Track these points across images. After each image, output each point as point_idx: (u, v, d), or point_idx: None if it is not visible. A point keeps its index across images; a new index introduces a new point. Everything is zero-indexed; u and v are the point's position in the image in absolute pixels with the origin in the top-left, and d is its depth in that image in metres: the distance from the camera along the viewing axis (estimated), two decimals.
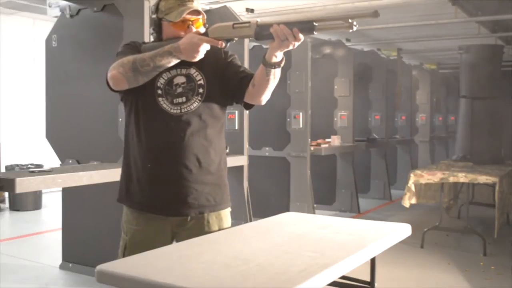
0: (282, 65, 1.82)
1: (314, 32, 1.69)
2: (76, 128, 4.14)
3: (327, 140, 6.47)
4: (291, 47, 1.74)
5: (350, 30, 1.61)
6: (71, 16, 4.15)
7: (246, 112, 4.63)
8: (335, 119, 7.14)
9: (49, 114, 4.34)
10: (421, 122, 9.81)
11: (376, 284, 2.23)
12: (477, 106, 6.17)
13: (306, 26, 1.68)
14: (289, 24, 1.69)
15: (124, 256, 1.98)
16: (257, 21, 1.76)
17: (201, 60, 1.88)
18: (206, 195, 1.99)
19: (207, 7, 4.85)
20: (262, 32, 1.75)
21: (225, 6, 4.62)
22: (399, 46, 8.39)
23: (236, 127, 4.70)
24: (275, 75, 1.84)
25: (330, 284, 1.75)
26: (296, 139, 5.77)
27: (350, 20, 1.60)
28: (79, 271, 4.14)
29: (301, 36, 1.70)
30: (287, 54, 1.79)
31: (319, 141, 6.24)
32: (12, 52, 7.70)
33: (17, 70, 7.77)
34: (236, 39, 1.87)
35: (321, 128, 6.82)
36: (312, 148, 5.83)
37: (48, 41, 4.32)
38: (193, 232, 1.97)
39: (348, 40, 7.54)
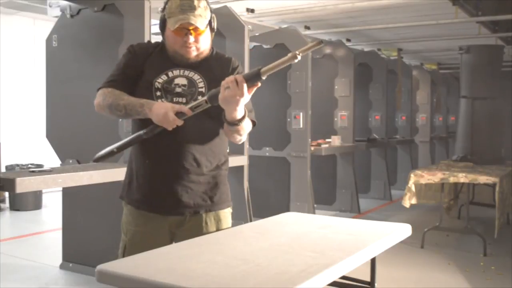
0: (244, 120, 1.85)
1: (262, 77, 1.73)
2: (77, 128, 4.14)
3: (327, 140, 6.47)
4: (235, 100, 1.74)
5: (296, 60, 1.70)
6: (72, 16, 4.15)
7: None
8: (335, 119, 7.14)
9: (50, 114, 4.34)
10: (421, 122, 9.81)
11: (376, 284, 2.23)
12: (477, 106, 6.17)
13: (254, 74, 1.74)
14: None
15: (124, 257, 1.98)
16: (205, 99, 1.80)
17: (209, 68, 1.93)
18: (202, 195, 1.99)
19: None
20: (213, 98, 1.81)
21: (225, 6, 4.62)
22: (399, 46, 8.39)
23: None
24: (241, 128, 1.88)
25: (330, 284, 1.75)
26: (297, 139, 5.77)
27: (297, 52, 1.69)
28: (79, 271, 4.15)
29: (244, 86, 1.71)
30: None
31: (320, 141, 6.24)
32: (13, 52, 7.70)
33: (18, 70, 7.77)
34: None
35: (321, 128, 6.82)
36: (312, 148, 5.83)
37: (49, 41, 4.32)
38: (191, 233, 1.96)
39: (348, 40, 7.54)
